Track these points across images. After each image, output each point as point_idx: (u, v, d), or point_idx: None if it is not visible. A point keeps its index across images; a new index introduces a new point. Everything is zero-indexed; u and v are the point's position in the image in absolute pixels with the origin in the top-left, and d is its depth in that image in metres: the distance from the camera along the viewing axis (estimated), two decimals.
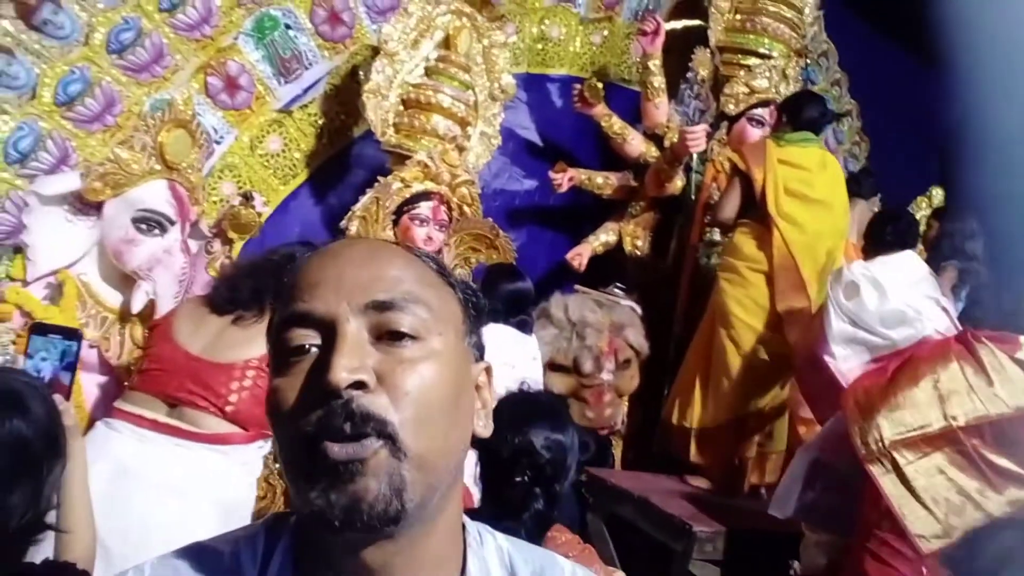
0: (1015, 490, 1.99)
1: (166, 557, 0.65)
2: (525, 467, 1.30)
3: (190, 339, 1.90)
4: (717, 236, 3.40)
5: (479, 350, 0.67)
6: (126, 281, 2.10)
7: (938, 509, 1.98)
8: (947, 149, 4.91)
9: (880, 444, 2.03)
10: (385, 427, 0.56)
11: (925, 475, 2.00)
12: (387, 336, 0.59)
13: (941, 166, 4.78)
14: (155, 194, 2.06)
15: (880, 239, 2.54)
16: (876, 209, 3.28)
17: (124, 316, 2.10)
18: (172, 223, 2.08)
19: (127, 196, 2.03)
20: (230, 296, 1.93)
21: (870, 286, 2.29)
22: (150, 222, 2.05)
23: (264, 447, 1.95)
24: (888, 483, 2.01)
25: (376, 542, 0.58)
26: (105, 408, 2.01)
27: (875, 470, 2.03)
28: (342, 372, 0.56)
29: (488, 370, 0.68)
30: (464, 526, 0.67)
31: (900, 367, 2.15)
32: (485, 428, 0.67)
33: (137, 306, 2.03)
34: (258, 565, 0.63)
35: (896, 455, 2.02)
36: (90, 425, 1.97)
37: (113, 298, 2.12)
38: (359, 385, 0.56)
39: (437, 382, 0.59)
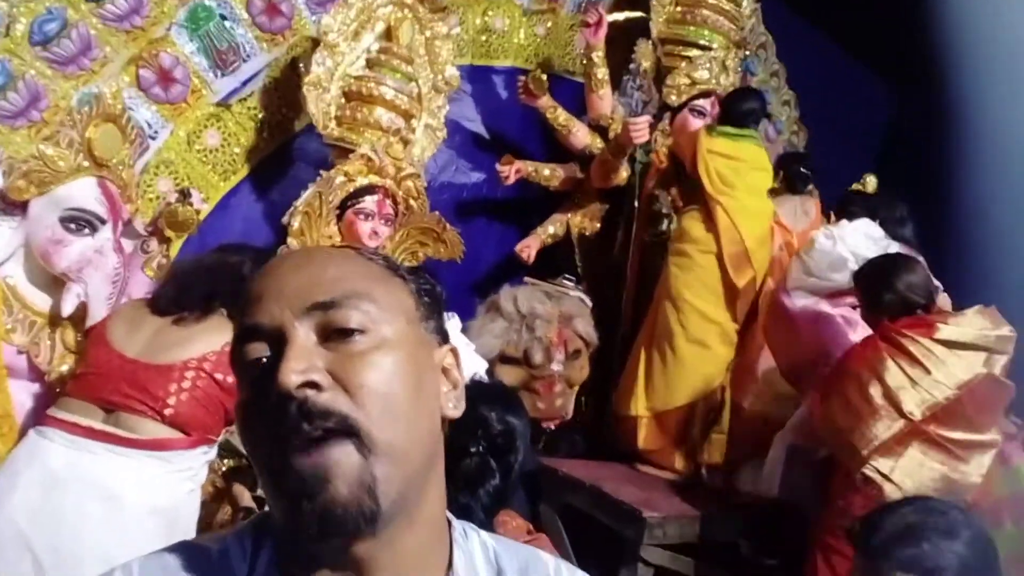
0: (979, 456, 2.14)
1: (154, 555, 0.65)
2: (480, 439, 1.32)
3: (126, 342, 1.84)
4: (663, 226, 3.46)
5: (441, 335, 0.68)
6: (55, 283, 2.02)
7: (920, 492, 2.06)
8: (883, 138, 5.11)
9: (860, 458, 2.14)
10: (346, 421, 0.56)
11: (909, 474, 2.11)
12: (335, 335, 0.59)
13: (877, 156, 4.95)
14: (84, 192, 1.98)
15: (850, 211, 2.92)
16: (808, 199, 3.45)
17: (54, 320, 2.01)
18: (103, 222, 2.00)
19: (54, 195, 1.94)
20: (176, 297, 1.88)
21: (823, 238, 2.61)
22: (79, 221, 1.97)
23: (209, 453, 1.90)
24: (888, 491, 2.09)
25: (357, 540, 0.58)
26: (37, 416, 1.93)
27: (869, 480, 2.13)
28: (290, 375, 0.56)
29: (454, 351, 0.68)
30: (449, 522, 0.67)
31: (845, 381, 2.24)
32: (455, 409, 0.67)
33: (68, 309, 1.95)
34: (247, 562, 0.63)
35: (877, 463, 2.13)
36: (22, 435, 1.89)
37: (42, 301, 2.02)
38: (311, 385, 0.56)
39: (393, 371, 0.59)
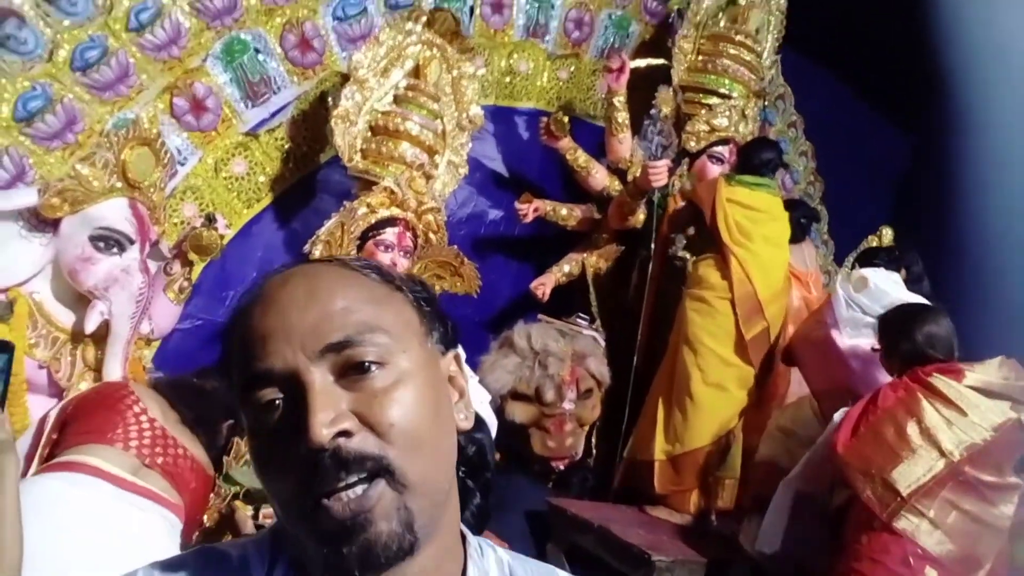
0: (1008, 497, 2.13)
1: (176, 558, 0.65)
2: (456, 463, 1.32)
3: (164, 420, 1.88)
4: (679, 267, 3.48)
5: (443, 342, 0.66)
6: (80, 301, 2.05)
7: (965, 542, 2.06)
8: (899, 191, 5.13)
9: (900, 499, 2.09)
10: (381, 462, 0.56)
11: (943, 514, 2.08)
12: (352, 371, 0.58)
13: (893, 207, 4.97)
14: (115, 212, 2.02)
15: (876, 261, 2.99)
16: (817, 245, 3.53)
17: (76, 337, 2.04)
18: (131, 242, 2.04)
19: (86, 213, 1.98)
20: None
21: (878, 282, 2.65)
22: (108, 240, 2.01)
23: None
24: (923, 534, 2.06)
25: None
26: None
27: (904, 525, 2.07)
28: (321, 429, 0.55)
29: (456, 357, 0.68)
30: (464, 538, 0.67)
31: (877, 420, 2.21)
32: (466, 419, 0.67)
33: (91, 326, 1.98)
34: (266, 569, 0.63)
35: (919, 506, 2.08)
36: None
37: (66, 318, 2.06)
38: (342, 434, 0.56)
39: (416, 401, 0.59)
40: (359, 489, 0.55)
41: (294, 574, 0.62)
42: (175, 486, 1.77)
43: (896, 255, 3.11)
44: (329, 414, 0.55)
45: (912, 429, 2.15)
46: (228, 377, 0.62)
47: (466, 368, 2.30)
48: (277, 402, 0.58)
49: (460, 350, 0.70)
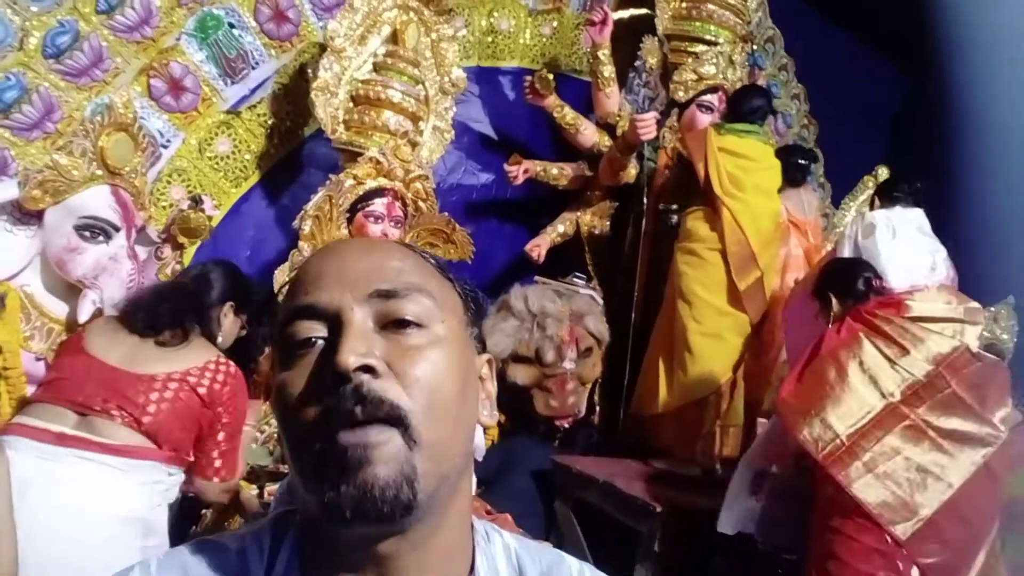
0: (970, 451, 1.98)
1: (173, 552, 0.65)
2: None
3: (105, 351, 1.83)
4: (673, 221, 3.45)
5: (480, 343, 0.69)
6: (72, 291, 2.05)
7: (902, 491, 1.95)
8: (893, 130, 5.07)
9: (840, 442, 1.99)
10: (398, 411, 0.56)
11: (884, 459, 1.97)
12: (392, 324, 0.60)
13: (887, 147, 4.92)
14: (98, 200, 2.00)
15: (896, 195, 2.81)
16: (817, 185, 3.45)
17: (71, 327, 2.04)
18: (117, 229, 2.03)
19: (68, 203, 1.96)
20: (150, 320, 1.87)
21: (885, 228, 2.46)
22: (93, 229, 1.99)
23: (176, 475, 1.89)
24: (860, 486, 1.95)
25: (385, 537, 0.58)
26: None
27: (840, 473, 1.97)
28: (350, 356, 0.56)
29: (490, 362, 0.69)
30: (472, 525, 0.67)
31: (820, 363, 2.15)
32: (490, 417, 0.67)
33: (84, 315, 1.98)
34: (264, 561, 0.63)
35: (857, 449, 1.98)
36: None
37: (59, 308, 2.05)
38: (368, 369, 0.57)
39: (445, 368, 0.60)
40: (371, 430, 0.56)
41: (296, 561, 0.62)
42: (130, 423, 1.75)
43: (917, 188, 3.03)
44: (361, 347, 0.57)
45: (853, 369, 2.07)
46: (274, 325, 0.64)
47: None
48: (314, 339, 0.59)
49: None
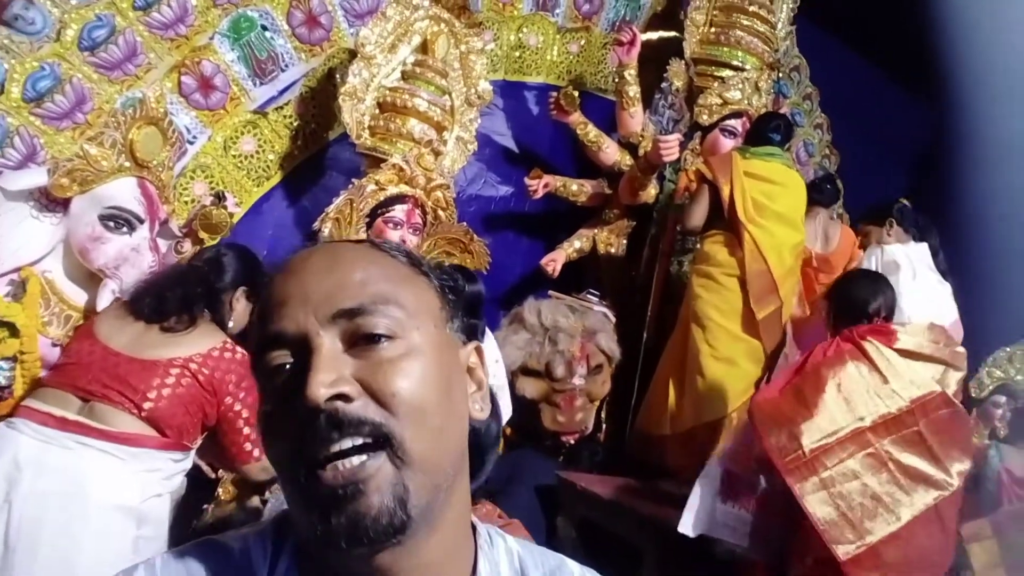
0: (923, 492, 2.02)
1: (177, 551, 0.64)
2: None
3: (111, 336, 1.84)
4: (690, 243, 3.45)
5: (466, 332, 0.66)
6: (92, 279, 2.07)
7: (852, 515, 1.98)
8: (916, 164, 5.05)
9: (802, 454, 2.03)
10: (380, 430, 0.55)
11: (841, 480, 2.01)
12: (362, 341, 0.58)
13: (909, 181, 4.90)
14: (124, 191, 2.03)
15: (905, 225, 2.98)
16: (836, 215, 3.45)
17: (89, 315, 2.06)
18: (141, 221, 2.05)
19: (95, 193, 1.99)
20: (157, 306, 1.86)
21: (907, 268, 2.57)
22: (118, 219, 2.02)
23: (182, 462, 1.89)
24: (812, 500, 1.99)
25: (382, 551, 0.57)
26: None
27: (796, 484, 2.01)
28: (319, 388, 0.55)
29: (478, 350, 0.67)
30: (474, 527, 0.66)
31: (802, 376, 2.18)
32: (482, 411, 0.66)
33: (103, 304, 2.00)
34: (267, 563, 0.62)
35: (817, 464, 2.02)
36: None
37: (78, 296, 2.08)
38: (340, 397, 0.55)
39: (422, 378, 0.58)
40: (357, 460, 0.55)
41: (296, 565, 0.62)
42: (131, 410, 1.74)
43: (923, 222, 3.07)
44: (330, 375, 0.55)
45: (831, 388, 2.11)
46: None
47: (493, 347, 2.28)
48: (286, 365, 0.58)
49: (487, 344, 0.69)
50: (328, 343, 0.57)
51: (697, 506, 2.24)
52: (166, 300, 1.86)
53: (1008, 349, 3.81)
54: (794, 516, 2.09)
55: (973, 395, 3.76)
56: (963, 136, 4.54)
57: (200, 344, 1.87)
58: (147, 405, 1.77)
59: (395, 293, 0.60)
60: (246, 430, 1.90)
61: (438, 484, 0.58)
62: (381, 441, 0.55)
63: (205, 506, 2.42)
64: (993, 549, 2.31)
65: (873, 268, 2.56)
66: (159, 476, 1.81)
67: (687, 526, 2.25)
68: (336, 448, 0.54)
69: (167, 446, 1.81)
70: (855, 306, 2.29)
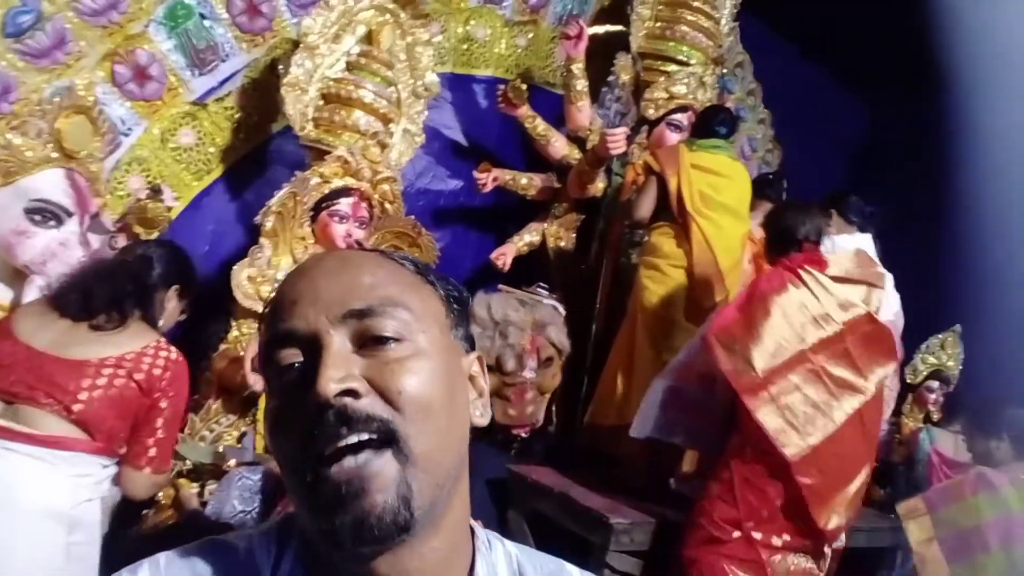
0: (850, 398, 2.31)
1: (182, 550, 0.64)
2: None
3: (33, 336, 1.72)
4: (638, 236, 3.48)
5: (468, 342, 0.68)
6: (18, 276, 1.99)
7: (796, 422, 2.27)
8: (856, 158, 5.20)
9: (756, 376, 2.29)
10: (387, 426, 0.56)
11: (786, 394, 2.29)
12: (371, 342, 0.59)
13: (850, 174, 5.05)
14: (51, 183, 1.95)
15: (853, 219, 3.13)
16: None
17: None
18: (69, 214, 1.98)
19: (19, 185, 1.91)
20: (84, 303, 1.76)
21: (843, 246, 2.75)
22: (45, 213, 1.94)
23: (110, 468, 1.82)
24: (764, 413, 2.27)
25: (384, 551, 0.58)
26: None
27: (752, 402, 2.28)
28: (329, 383, 0.55)
29: (480, 359, 0.69)
30: (473, 531, 0.67)
31: (752, 305, 2.41)
32: (483, 417, 0.67)
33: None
34: (271, 563, 0.62)
35: (768, 384, 2.29)
36: None
37: (3, 294, 1.99)
38: (350, 393, 0.56)
39: (429, 379, 0.59)
40: (362, 458, 0.55)
41: (300, 566, 0.62)
42: (59, 412, 1.67)
43: (868, 211, 3.21)
44: (339, 372, 0.56)
45: (776, 313, 2.35)
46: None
47: None
48: (296, 364, 0.59)
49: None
50: (338, 342, 0.58)
51: (644, 414, 2.57)
52: (93, 297, 1.75)
53: (940, 336, 3.96)
54: (735, 421, 2.38)
55: (908, 381, 3.90)
56: (900, 131, 4.70)
57: (132, 343, 1.78)
58: (77, 407, 1.68)
59: (403, 297, 0.61)
60: (159, 434, 1.81)
61: (441, 484, 0.59)
62: (387, 438, 0.56)
63: (144, 511, 2.35)
64: (927, 524, 2.46)
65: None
66: (90, 481, 1.74)
67: (635, 430, 2.59)
68: (343, 443, 0.55)
69: (97, 450, 1.74)
70: (785, 234, 2.52)
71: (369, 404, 0.57)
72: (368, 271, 0.62)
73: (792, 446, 2.24)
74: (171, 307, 2.02)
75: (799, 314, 2.35)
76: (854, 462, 2.36)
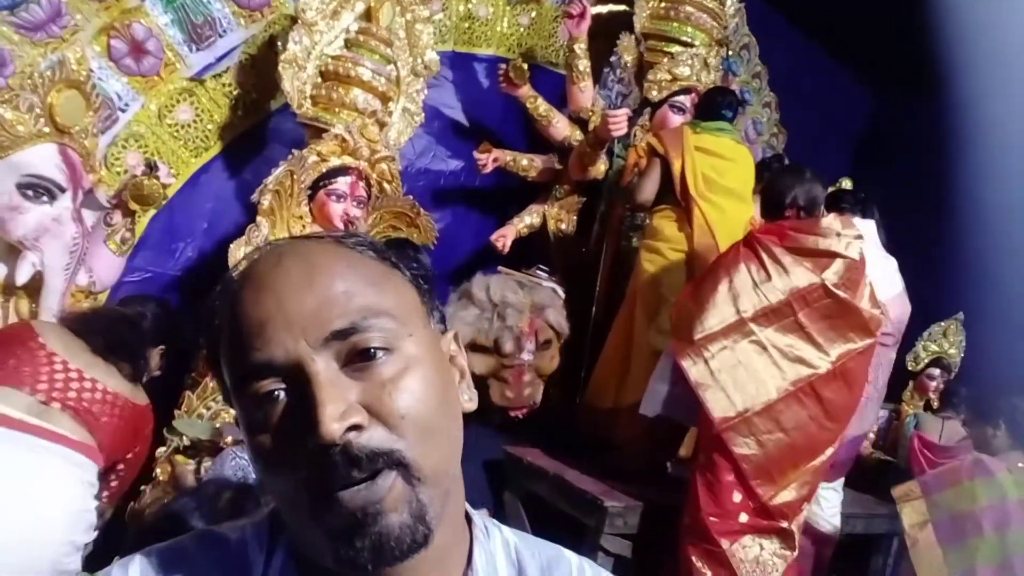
0: (800, 368, 2.34)
1: (174, 542, 0.63)
2: None
3: (66, 353, 1.84)
4: (639, 219, 3.45)
5: (442, 321, 0.66)
6: (11, 252, 1.97)
7: (724, 383, 2.34)
8: (860, 144, 5.15)
9: (690, 340, 2.39)
10: (393, 456, 0.54)
11: (720, 359, 2.37)
12: (357, 357, 0.55)
13: (853, 160, 5.00)
14: (44, 158, 1.93)
15: (843, 205, 3.00)
16: None
17: (8, 290, 1.97)
18: (62, 190, 1.95)
19: (11, 160, 1.89)
20: (110, 345, 1.93)
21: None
22: (37, 188, 1.92)
23: (96, 485, 1.91)
24: (693, 369, 2.37)
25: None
26: None
27: (685, 363, 2.39)
28: (332, 424, 0.52)
29: (456, 337, 0.66)
30: (470, 519, 0.66)
31: (705, 277, 2.48)
32: (471, 401, 0.65)
33: (22, 278, 1.91)
34: (263, 553, 0.61)
35: (702, 348, 2.38)
36: None
37: None
38: (353, 428, 0.54)
39: (425, 389, 0.57)
40: (371, 482, 0.54)
41: (293, 560, 0.61)
42: (84, 423, 1.75)
43: (862, 197, 3.11)
44: (339, 406, 0.53)
45: (722, 286, 2.42)
46: (217, 365, 0.60)
47: None
48: (277, 393, 0.55)
49: None
50: (324, 368, 0.54)
51: (654, 391, 2.59)
52: (118, 344, 1.94)
53: (942, 324, 3.95)
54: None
55: (909, 368, 3.89)
56: (905, 117, 4.65)
57: (137, 398, 1.98)
58: (95, 422, 1.81)
59: (383, 301, 0.58)
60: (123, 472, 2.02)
61: (448, 489, 0.59)
62: (393, 465, 0.55)
63: (142, 487, 2.36)
64: (921, 508, 2.47)
65: None
66: (91, 491, 1.81)
67: (645, 407, 2.61)
68: (353, 480, 0.54)
69: (100, 460, 1.85)
70: (774, 198, 2.56)
71: (373, 437, 0.54)
72: (338, 275, 0.57)
73: (718, 407, 2.31)
74: (153, 365, 2.17)
75: (745, 288, 2.40)
76: (808, 439, 2.35)
